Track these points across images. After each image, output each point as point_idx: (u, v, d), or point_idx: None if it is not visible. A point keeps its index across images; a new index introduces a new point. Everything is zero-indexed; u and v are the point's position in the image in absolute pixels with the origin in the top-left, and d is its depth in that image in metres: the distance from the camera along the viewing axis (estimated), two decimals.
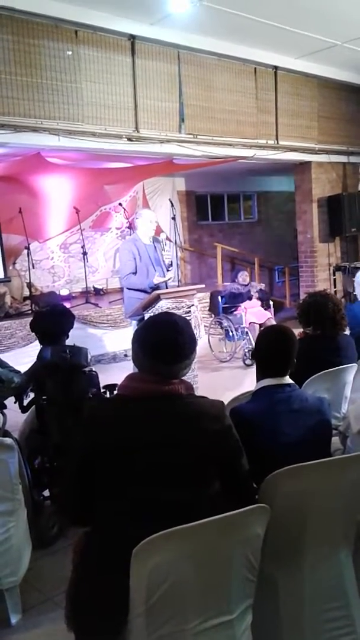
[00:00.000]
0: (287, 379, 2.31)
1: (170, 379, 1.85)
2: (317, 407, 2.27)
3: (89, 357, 3.62)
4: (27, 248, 8.16)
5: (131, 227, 9.19)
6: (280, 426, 2.17)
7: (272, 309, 7.86)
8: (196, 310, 5.14)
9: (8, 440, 2.61)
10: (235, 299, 7.72)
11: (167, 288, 5.40)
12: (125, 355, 7.48)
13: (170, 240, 10.12)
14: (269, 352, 2.35)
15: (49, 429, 3.38)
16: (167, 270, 5.38)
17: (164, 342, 1.85)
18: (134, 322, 5.28)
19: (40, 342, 3.67)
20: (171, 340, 1.86)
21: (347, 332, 3.64)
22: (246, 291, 7.69)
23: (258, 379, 2.36)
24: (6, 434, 3.07)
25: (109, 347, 7.68)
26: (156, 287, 5.09)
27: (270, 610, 1.95)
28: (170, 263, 5.46)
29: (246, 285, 7.80)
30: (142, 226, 5.25)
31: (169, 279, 5.29)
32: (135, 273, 5.20)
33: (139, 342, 1.90)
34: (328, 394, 3.17)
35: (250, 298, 7.66)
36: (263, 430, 2.16)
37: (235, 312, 7.60)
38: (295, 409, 2.22)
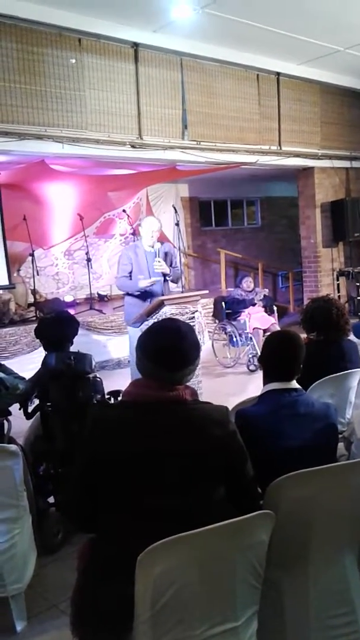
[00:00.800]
0: (294, 384, 2.30)
1: (174, 385, 1.85)
2: (324, 413, 2.26)
3: (94, 363, 3.63)
4: (32, 255, 8.19)
5: (135, 233, 9.21)
6: (286, 430, 2.16)
7: (275, 314, 7.85)
8: (200, 316, 5.12)
9: (13, 446, 2.61)
10: (238, 305, 7.71)
11: (166, 280, 5.36)
12: (129, 362, 7.47)
13: (173, 246, 10.11)
14: (276, 356, 2.34)
15: (53, 436, 3.39)
16: (165, 280, 5.35)
17: (167, 348, 1.85)
18: (130, 329, 5.26)
19: (45, 349, 3.67)
20: (175, 346, 1.86)
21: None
22: (250, 298, 7.68)
23: (265, 383, 2.36)
24: (11, 440, 3.07)
25: (114, 353, 7.68)
26: (148, 291, 5.10)
27: (275, 616, 1.94)
28: (166, 273, 5.30)
29: (250, 292, 7.79)
30: (144, 234, 5.27)
31: (158, 280, 5.19)
32: (130, 278, 5.22)
33: (143, 348, 1.90)
34: (332, 400, 3.16)
35: (253, 305, 7.65)
36: (268, 434, 2.15)
37: (239, 318, 7.59)
38: (301, 413, 2.21)
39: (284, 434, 2.15)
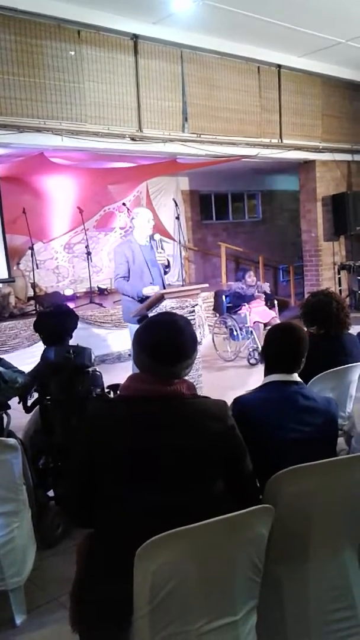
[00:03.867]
0: (295, 377, 2.29)
1: (172, 379, 1.84)
2: (325, 407, 2.25)
3: (93, 357, 3.62)
4: (31, 248, 8.16)
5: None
6: (285, 422, 2.15)
7: (276, 308, 7.84)
8: (200, 309, 5.10)
9: (12, 440, 2.60)
10: (239, 299, 7.69)
11: (167, 269, 5.33)
12: (130, 355, 7.47)
13: (173, 240, 10.11)
14: (278, 348, 2.33)
15: (53, 429, 3.39)
16: (165, 272, 5.33)
17: (164, 342, 1.84)
18: (130, 326, 5.22)
19: (44, 343, 3.67)
20: (171, 340, 1.85)
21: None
22: (250, 293, 7.66)
23: (265, 375, 2.35)
24: (10, 434, 3.07)
25: (113, 347, 7.68)
26: (146, 297, 4.96)
27: (275, 611, 1.94)
28: (167, 263, 5.33)
29: (252, 286, 7.77)
30: (139, 226, 5.18)
31: (159, 254, 5.13)
32: (128, 276, 5.12)
33: (140, 342, 1.89)
34: (333, 394, 3.15)
35: (254, 299, 7.62)
36: (265, 422, 2.14)
37: (239, 312, 7.57)
38: (301, 406, 2.20)
39: (283, 426, 2.14)
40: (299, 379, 2.30)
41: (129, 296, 5.14)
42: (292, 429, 2.15)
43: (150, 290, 4.93)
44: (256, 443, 2.00)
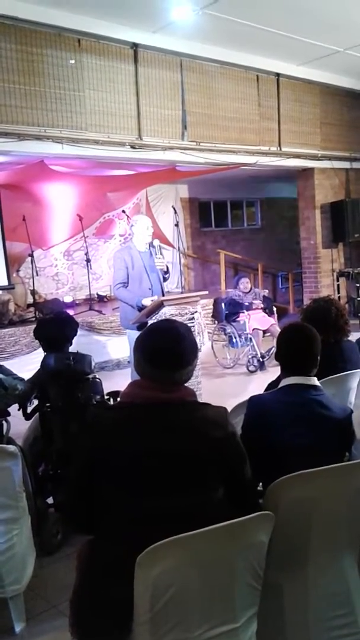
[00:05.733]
0: (314, 380, 2.26)
1: (172, 386, 1.85)
2: (340, 417, 2.21)
3: (93, 364, 3.62)
4: (31, 255, 8.18)
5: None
6: (298, 428, 2.13)
7: (275, 315, 7.84)
8: (200, 316, 5.11)
9: (12, 447, 2.60)
10: (236, 306, 7.68)
11: (167, 275, 5.36)
12: (129, 362, 7.46)
13: (172, 247, 10.13)
14: (290, 349, 2.31)
15: (52, 436, 3.38)
16: (165, 279, 5.34)
17: (165, 349, 1.85)
18: (129, 331, 5.23)
19: (44, 350, 3.67)
20: (172, 347, 1.85)
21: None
22: (248, 302, 7.66)
23: (283, 377, 2.31)
24: (10, 441, 3.07)
25: (113, 353, 7.67)
26: (144, 307, 4.95)
27: (275, 617, 1.93)
28: (166, 269, 5.36)
29: (248, 292, 7.77)
30: (139, 233, 5.22)
31: (158, 261, 5.13)
32: (127, 283, 5.13)
33: (140, 349, 1.90)
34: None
35: (251, 308, 7.60)
36: (279, 426, 2.12)
37: (238, 319, 7.58)
38: (317, 414, 2.17)
39: (294, 431, 2.12)
40: (317, 383, 2.26)
41: (128, 304, 5.15)
42: (304, 435, 2.12)
43: (150, 302, 4.93)
44: (265, 444, 1.99)
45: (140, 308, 5.00)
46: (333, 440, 2.17)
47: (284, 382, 2.29)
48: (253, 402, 2.21)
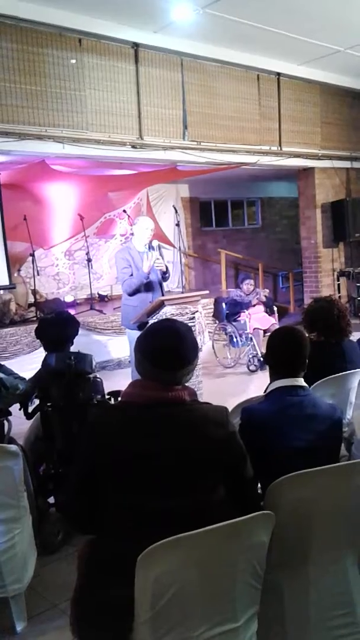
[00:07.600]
0: (301, 381, 2.29)
1: (173, 385, 1.85)
2: (330, 415, 2.24)
3: (94, 363, 3.62)
4: (32, 255, 8.19)
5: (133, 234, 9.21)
6: (290, 430, 2.15)
7: (276, 314, 7.85)
8: (200, 316, 5.12)
9: (13, 447, 2.60)
10: (236, 307, 7.68)
11: (167, 275, 5.42)
12: (130, 362, 7.47)
13: (173, 246, 10.13)
14: (280, 351, 2.34)
15: (53, 436, 3.38)
16: (165, 279, 5.37)
17: (165, 349, 1.85)
18: (129, 330, 5.25)
19: (45, 349, 3.67)
20: (173, 346, 1.86)
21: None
22: (247, 301, 7.66)
23: (271, 381, 2.34)
24: (11, 440, 3.07)
25: (114, 353, 7.68)
26: (150, 288, 5.13)
27: (276, 617, 1.94)
28: (166, 269, 5.39)
29: (249, 294, 7.77)
30: (139, 233, 5.25)
31: (157, 261, 5.22)
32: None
33: (141, 348, 1.90)
34: (333, 400, 3.16)
35: (251, 307, 7.61)
36: (273, 433, 2.14)
37: (239, 318, 7.58)
38: (307, 414, 2.20)
39: (288, 434, 2.14)
40: (304, 384, 2.29)
41: (138, 290, 5.14)
42: (297, 438, 2.14)
43: (147, 263, 5.04)
44: (262, 451, 2.00)
45: (147, 278, 5.10)
46: (325, 437, 2.19)
47: (272, 386, 2.31)
48: (245, 414, 2.22)
